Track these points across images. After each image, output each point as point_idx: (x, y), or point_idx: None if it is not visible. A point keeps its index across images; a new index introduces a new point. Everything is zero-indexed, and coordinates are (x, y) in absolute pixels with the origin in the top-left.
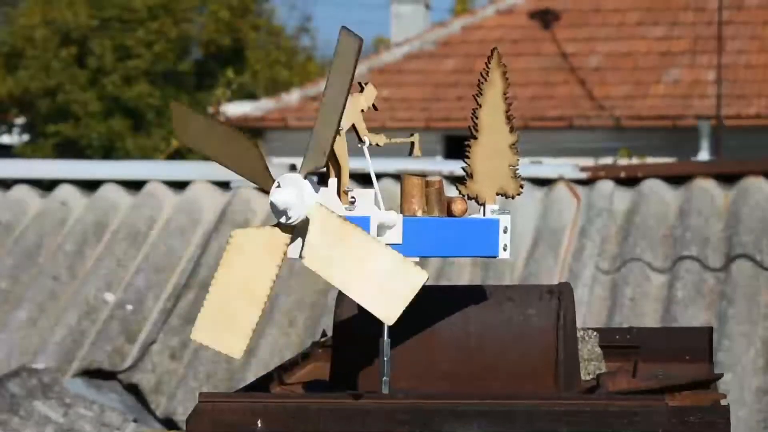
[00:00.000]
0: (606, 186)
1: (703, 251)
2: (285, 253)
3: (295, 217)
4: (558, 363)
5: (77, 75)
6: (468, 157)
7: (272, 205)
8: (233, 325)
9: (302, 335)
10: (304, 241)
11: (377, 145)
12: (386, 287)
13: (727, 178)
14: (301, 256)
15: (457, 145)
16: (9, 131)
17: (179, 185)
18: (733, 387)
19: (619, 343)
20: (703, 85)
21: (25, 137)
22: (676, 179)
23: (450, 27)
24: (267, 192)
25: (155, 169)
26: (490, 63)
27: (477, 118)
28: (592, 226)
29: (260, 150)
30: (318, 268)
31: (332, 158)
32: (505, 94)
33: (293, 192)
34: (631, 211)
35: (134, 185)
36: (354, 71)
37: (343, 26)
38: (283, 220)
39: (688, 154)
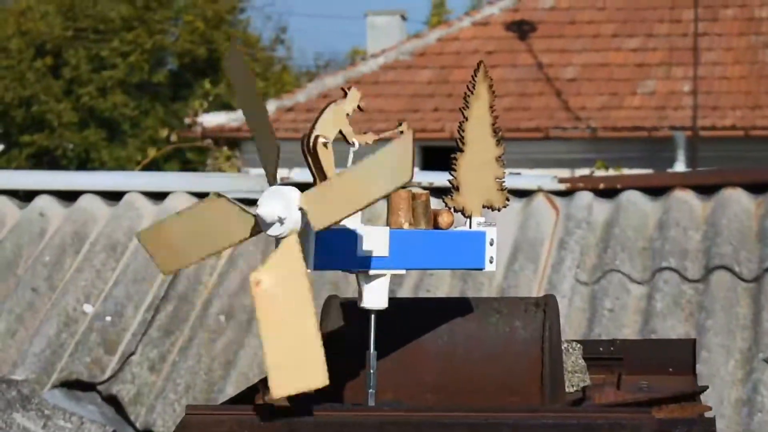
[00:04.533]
0: (585, 197)
1: (682, 262)
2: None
3: (284, 230)
4: (543, 375)
5: (52, 85)
6: (454, 170)
7: (260, 218)
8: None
9: None
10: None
11: (367, 144)
12: (291, 365)
13: (706, 190)
14: (253, 278)
15: (434, 156)
16: None
17: (158, 196)
18: (711, 399)
19: (602, 355)
20: (678, 96)
21: None
22: (655, 190)
23: (426, 38)
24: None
25: (134, 180)
26: (476, 75)
27: (463, 131)
28: (570, 238)
29: (278, 147)
30: (259, 298)
31: (318, 170)
32: (491, 106)
33: (281, 205)
34: (610, 222)
35: (113, 196)
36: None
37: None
38: (271, 232)
39: (663, 165)
